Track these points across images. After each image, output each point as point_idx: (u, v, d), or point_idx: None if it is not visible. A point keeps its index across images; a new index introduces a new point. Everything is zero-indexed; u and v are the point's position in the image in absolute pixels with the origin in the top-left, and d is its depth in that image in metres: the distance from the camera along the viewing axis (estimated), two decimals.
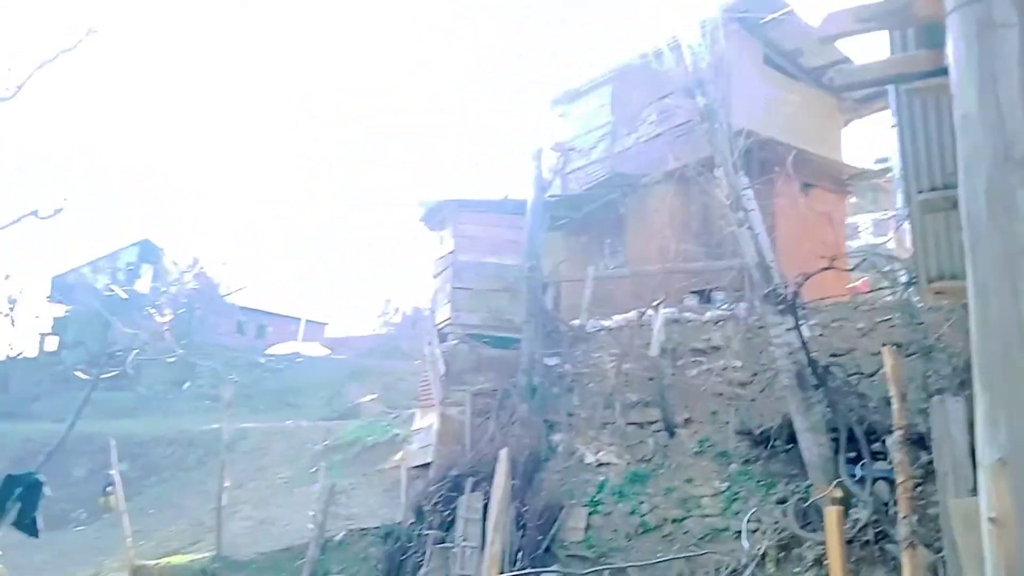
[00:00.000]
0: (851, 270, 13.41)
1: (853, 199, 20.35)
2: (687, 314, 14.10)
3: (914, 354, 10.68)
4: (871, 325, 12.03)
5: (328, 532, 14.56)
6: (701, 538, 11.06)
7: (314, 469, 16.29)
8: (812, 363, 10.68)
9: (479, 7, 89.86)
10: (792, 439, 10.48)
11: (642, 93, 16.05)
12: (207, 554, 15.46)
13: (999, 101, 3.38)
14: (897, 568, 8.38)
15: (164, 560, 15.72)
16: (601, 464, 13.05)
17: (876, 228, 23.02)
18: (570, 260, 17.92)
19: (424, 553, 13.08)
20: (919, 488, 9.11)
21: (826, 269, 10.79)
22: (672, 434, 12.64)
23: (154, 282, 39.99)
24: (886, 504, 9.34)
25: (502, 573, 11.94)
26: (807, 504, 10.07)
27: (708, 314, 13.80)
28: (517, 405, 14.41)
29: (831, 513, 7.65)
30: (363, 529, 14.59)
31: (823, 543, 8.83)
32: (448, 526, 13.16)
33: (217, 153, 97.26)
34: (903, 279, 10.97)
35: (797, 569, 9.75)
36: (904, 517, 6.84)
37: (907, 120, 6.07)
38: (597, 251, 17.89)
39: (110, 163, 79.42)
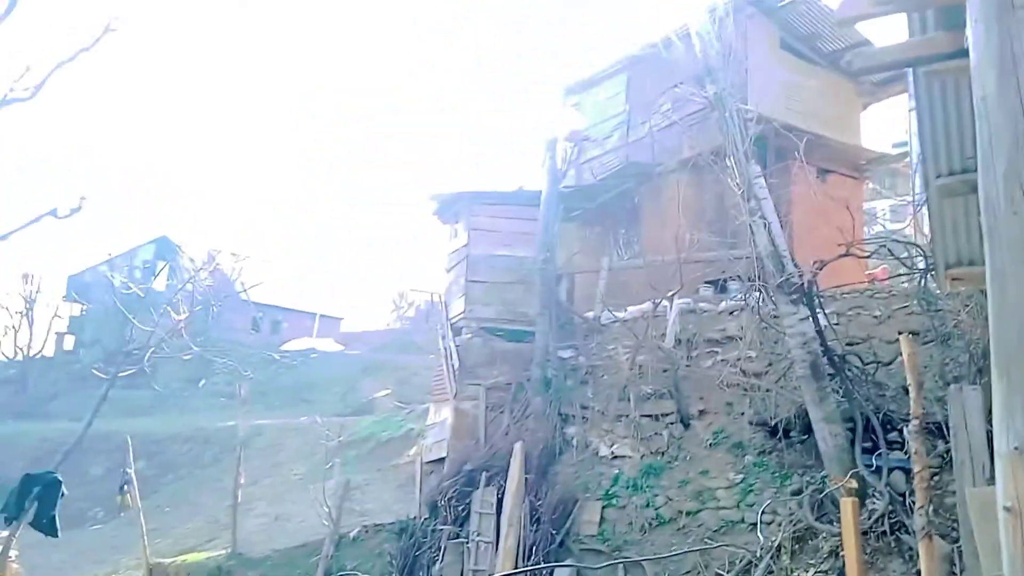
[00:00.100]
0: (868, 257, 13.22)
1: (871, 184, 20.09)
2: (702, 304, 13.98)
3: (931, 342, 10.54)
4: (888, 313, 11.88)
5: (343, 528, 14.57)
6: (716, 530, 10.95)
7: (329, 465, 16.28)
8: (828, 352, 10.54)
9: (479, 7, 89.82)
10: (807, 430, 10.35)
11: (657, 81, 15.87)
12: (223, 551, 15.51)
13: (1019, 84, 3.28)
14: (914, 559, 8.27)
15: (180, 558, 15.79)
16: (615, 457, 12.95)
17: (894, 214, 22.74)
18: (584, 251, 17.81)
19: (439, 548, 13.04)
20: (936, 478, 8.97)
21: (843, 256, 10.64)
22: (687, 426, 12.54)
23: (170, 280, 40.16)
24: (902, 494, 9.20)
25: (516, 567, 11.88)
26: (823, 495, 9.95)
27: (723, 304, 13.68)
28: (531, 398, 14.34)
29: (846, 504, 7.51)
30: (378, 525, 14.58)
31: (839, 534, 8.70)
32: (462, 521, 13.12)
33: (217, 153, 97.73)
34: (920, 265, 10.79)
35: (812, 561, 9.62)
36: (920, 507, 6.71)
37: (925, 103, 5.93)
38: (611, 242, 17.76)
39: (110, 163, 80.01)
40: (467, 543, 12.74)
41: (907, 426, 7.15)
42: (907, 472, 9.03)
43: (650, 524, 11.66)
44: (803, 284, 10.63)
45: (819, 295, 10.88)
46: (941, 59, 4.80)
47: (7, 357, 43.42)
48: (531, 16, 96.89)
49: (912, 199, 15.97)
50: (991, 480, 4.70)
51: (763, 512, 10.57)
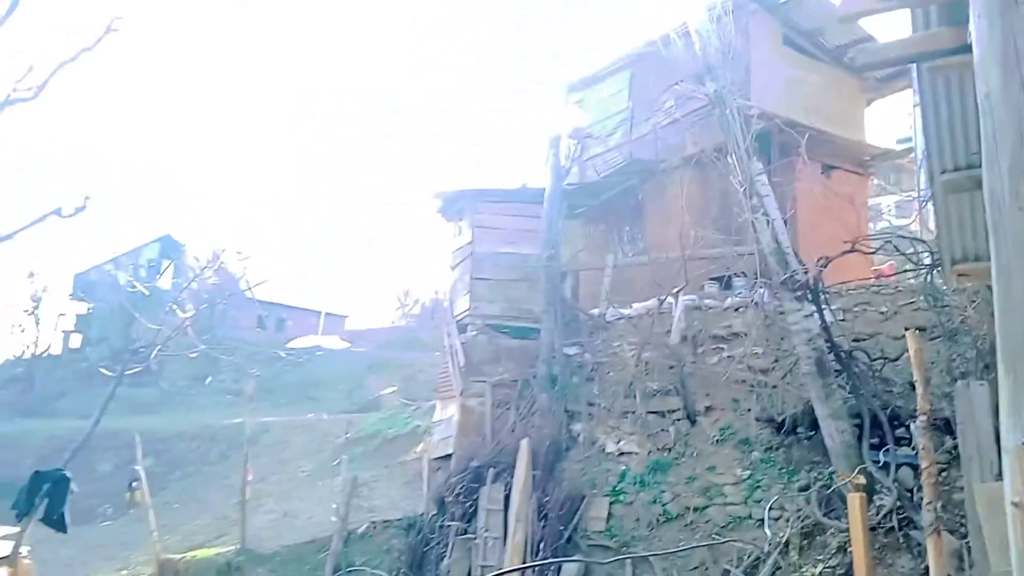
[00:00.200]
0: (873, 253, 13.22)
1: (875, 180, 20.07)
2: (707, 301, 13.98)
3: (938, 337, 10.53)
4: (894, 309, 11.88)
5: (351, 524, 14.62)
6: (723, 526, 10.99)
7: (336, 462, 16.37)
8: (834, 348, 10.56)
9: (479, 7, 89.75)
10: (814, 426, 10.38)
11: (660, 78, 15.87)
12: (232, 547, 15.58)
13: (1023, 80, 3.30)
14: (922, 554, 8.28)
15: (190, 554, 15.86)
16: (622, 453, 12.99)
17: (899, 210, 22.71)
18: (589, 248, 17.82)
19: (446, 544, 13.10)
20: (944, 473, 8.99)
21: (848, 252, 10.64)
22: (693, 422, 12.56)
23: (175, 278, 40.26)
24: (910, 490, 9.23)
25: (524, 563, 11.94)
26: (830, 491, 9.98)
27: (728, 301, 13.68)
28: (537, 395, 14.38)
29: (854, 500, 7.54)
30: (386, 521, 14.64)
31: (846, 530, 8.73)
32: (470, 517, 13.18)
33: (218, 153, 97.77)
34: (927, 261, 10.80)
35: (820, 557, 9.66)
36: (929, 503, 6.74)
37: (930, 99, 5.94)
38: (616, 239, 17.78)
39: (110, 163, 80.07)
40: (475, 539, 12.81)
41: (914, 422, 7.17)
42: (915, 468, 9.07)
43: (657, 520, 11.71)
44: (808, 280, 10.65)
45: (825, 291, 10.89)
46: (945, 55, 4.83)
47: (14, 356, 43.59)
48: (531, 16, 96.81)
49: (917, 195, 15.95)
50: (999, 476, 4.71)
51: (770, 508, 10.60)
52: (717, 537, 10.78)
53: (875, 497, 9.38)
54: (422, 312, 49.64)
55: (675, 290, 13.28)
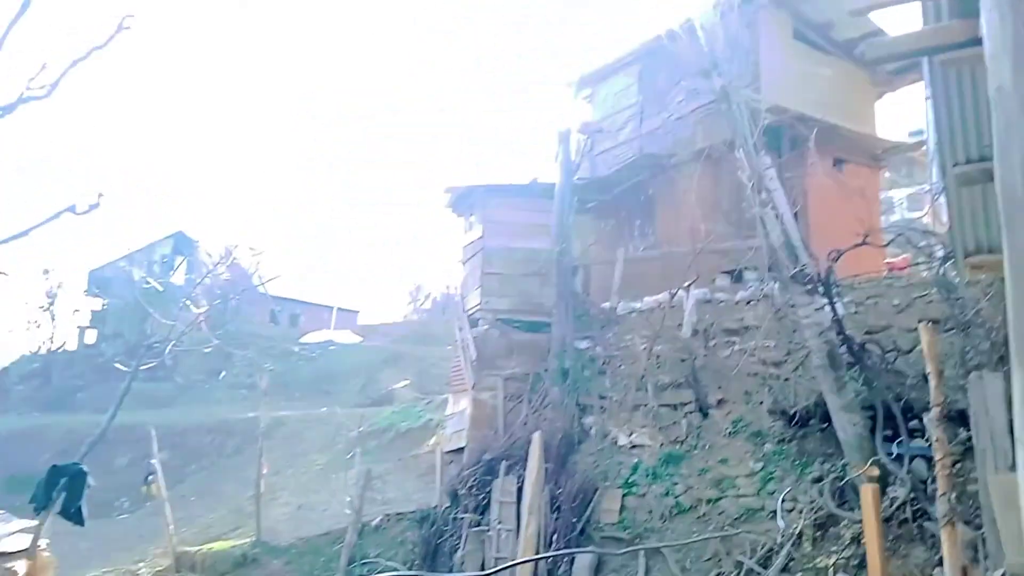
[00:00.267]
0: (885, 246, 13.21)
1: (887, 173, 20.01)
2: (719, 294, 14.00)
3: (952, 330, 10.51)
4: (907, 301, 11.85)
5: (365, 517, 14.73)
6: (736, 518, 11.03)
7: (350, 455, 16.48)
8: (847, 341, 10.56)
9: (479, 7, 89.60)
10: (827, 418, 10.38)
11: (670, 72, 15.87)
12: (247, 540, 15.72)
13: None
14: (936, 545, 8.30)
15: (206, 546, 16.00)
16: (634, 446, 13.04)
17: (911, 203, 22.63)
18: (600, 243, 17.85)
19: (460, 536, 13.20)
20: (957, 465, 8.99)
21: (859, 245, 10.64)
22: (705, 415, 12.59)
23: (188, 274, 40.53)
24: (924, 482, 9.24)
25: (537, 555, 12.01)
26: (843, 483, 10.00)
27: (740, 294, 13.69)
28: (549, 389, 14.45)
29: (867, 491, 7.57)
30: (399, 513, 14.75)
31: (860, 522, 8.76)
32: (483, 509, 13.27)
33: (218, 153, 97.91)
34: (939, 254, 10.78)
35: (834, 548, 9.68)
36: (943, 494, 6.76)
37: (941, 92, 5.95)
38: (627, 233, 17.79)
39: (110, 163, 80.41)
40: (488, 531, 12.89)
41: (928, 414, 7.19)
42: (928, 460, 9.07)
43: (670, 512, 11.76)
44: (819, 274, 10.66)
45: (837, 284, 10.89)
46: (956, 48, 4.82)
47: (31, 351, 43.94)
48: (531, 16, 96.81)
49: (930, 188, 15.90)
50: (1013, 467, 4.74)
51: (783, 500, 10.63)
52: (730, 529, 10.83)
53: (889, 489, 9.40)
54: (434, 306, 49.77)
55: (686, 284, 13.30)
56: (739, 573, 10.19)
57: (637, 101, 17.81)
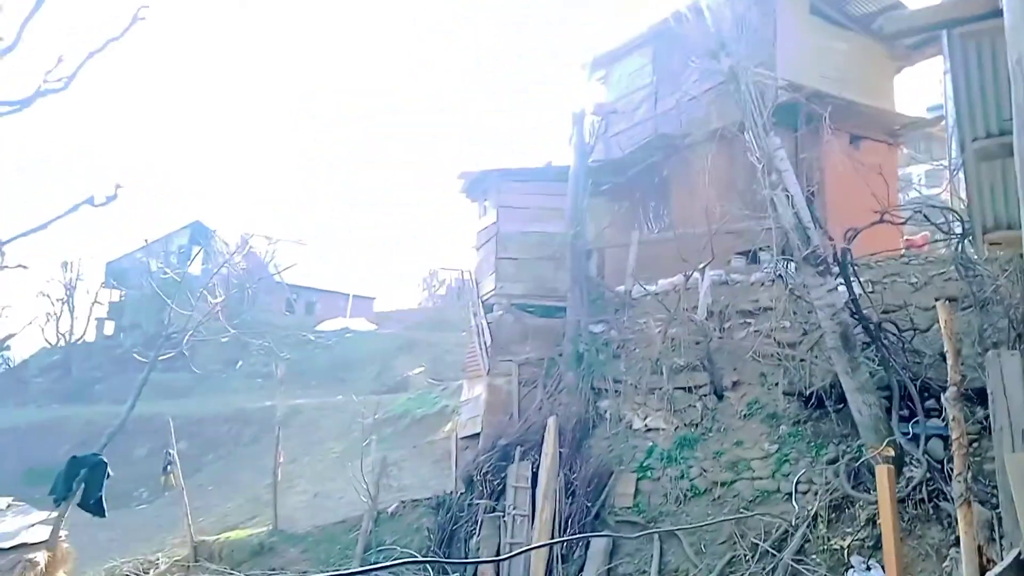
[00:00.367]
0: (903, 223, 13.02)
1: (905, 150, 19.72)
2: (734, 276, 13.88)
3: (970, 307, 10.39)
4: (925, 279, 11.72)
5: (381, 504, 14.77)
6: (751, 500, 10.96)
7: (366, 443, 16.47)
8: (863, 320, 10.43)
9: (479, 7, 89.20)
10: (843, 399, 10.27)
11: (683, 52, 15.68)
12: (265, 528, 15.80)
13: None
14: (952, 525, 8.22)
15: (224, 535, 16.10)
16: (649, 430, 12.98)
17: (929, 179, 22.33)
18: (614, 225, 17.72)
19: (475, 522, 13.21)
20: (974, 444, 8.89)
21: (877, 223, 10.49)
22: (720, 397, 12.51)
23: (205, 264, 40.74)
24: (940, 462, 9.13)
25: (553, 539, 12.00)
26: (859, 464, 9.91)
27: (755, 275, 13.57)
28: (564, 373, 14.39)
29: (882, 472, 7.47)
30: (415, 500, 14.76)
31: (876, 502, 8.66)
32: (498, 495, 13.27)
33: (218, 154, 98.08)
34: (958, 230, 10.61)
35: (850, 529, 9.61)
36: (959, 474, 6.64)
37: (960, 65, 5.81)
38: (641, 215, 17.65)
39: (110, 163, 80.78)
40: (503, 517, 12.89)
41: (945, 393, 7.07)
42: (945, 439, 8.97)
43: (685, 495, 11.71)
44: (834, 253, 10.52)
45: (853, 263, 10.75)
46: (975, 20, 4.70)
47: (50, 344, 44.36)
48: (531, 16, 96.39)
49: (948, 163, 15.66)
50: None
51: (798, 482, 10.56)
52: (745, 511, 10.76)
53: (905, 469, 9.31)
54: (448, 292, 49.80)
55: (701, 265, 13.18)
56: (754, 555, 10.13)
57: (652, 81, 17.62)
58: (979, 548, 6.69)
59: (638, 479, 12.37)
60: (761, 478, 11.12)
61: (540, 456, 13.00)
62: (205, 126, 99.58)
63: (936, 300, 8.35)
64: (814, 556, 9.72)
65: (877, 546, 8.81)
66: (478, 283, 17.20)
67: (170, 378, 31.25)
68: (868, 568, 9.06)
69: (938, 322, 7.45)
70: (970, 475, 6.77)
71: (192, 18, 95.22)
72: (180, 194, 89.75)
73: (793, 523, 10.15)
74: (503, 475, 13.29)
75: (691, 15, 12.52)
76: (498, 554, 12.52)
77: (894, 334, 10.56)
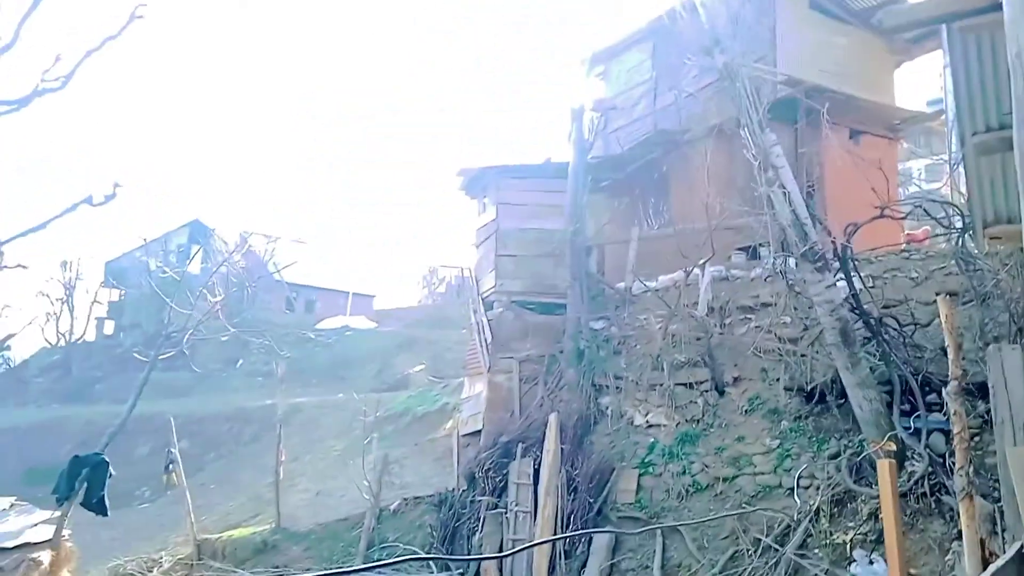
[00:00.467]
0: (903, 218, 13.02)
1: (905, 144, 19.73)
2: (734, 271, 13.90)
3: (970, 302, 10.40)
4: (925, 274, 11.73)
5: (383, 501, 14.78)
6: (753, 496, 10.98)
7: (367, 440, 16.50)
8: (864, 315, 10.44)
9: (479, 7, 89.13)
10: (844, 394, 10.29)
11: (683, 47, 15.69)
12: (267, 526, 15.82)
13: None
14: (954, 519, 8.24)
15: (227, 533, 16.13)
16: (651, 425, 13.00)
17: (929, 173, 22.34)
18: (614, 221, 17.72)
19: (478, 519, 13.21)
20: (976, 438, 8.90)
21: (877, 218, 10.49)
22: (721, 393, 12.53)
23: (204, 263, 40.71)
24: (942, 456, 9.15)
25: (555, 536, 12.01)
26: (860, 458, 9.93)
27: (755, 271, 13.58)
28: (564, 370, 14.40)
29: (883, 466, 7.48)
30: (417, 497, 14.77)
31: (878, 497, 8.67)
32: (500, 492, 13.27)
33: (217, 154, 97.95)
34: (958, 225, 10.61)
35: (852, 523, 9.63)
36: (961, 468, 6.66)
37: (960, 59, 5.82)
38: (641, 211, 17.65)
39: (110, 163, 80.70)
40: (506, 513, 12.90)
41: (946, 388, 7.08)
42: (947, 434, 8.98)
43: (687, 491, 11.73)
44: (834, 249, 10.52)
45: (854, 258, 10.75)
46: (974, 14, 4.71)
47: (50, 343, 44.34)
48: (531, 16, 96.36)
49: (948, 158, 15.67)
50: None
51: (800, 476, 10.58)
52: (747, 506, 10.78)
53: (906, 463, 9.32)
54: (448, 290, 49.81)
55: (701, 261, 13.19)
56: (756, 550, 10.14)
57: (651, 77, 17.62)
58: (981, 541, 6.71)
59: (640, 475, 12.38)
60: (763, 473, 11.14)
61: (542, 453, 13.01)
62: (205, 126, 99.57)
63: (937, 295, 8.34)
64: (816, 551, 9.74)
65: (880, 540, 8.82)
66: (478, 280, 17.20)
67: (170, 377, 31.26)
68: (871, 562, 9.07)
69: (939, 317, 7.46)
70: (972, 469, 6.79)
71: (192, 18, 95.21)
72: (179, 194, 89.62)
73: (795, 518, 10.16)
74: (505, 472, 13.30)
75: (686, 12, 12.51)
76: (501, 550, 12.54)
77: (895, 329, 10.57)
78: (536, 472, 12.92)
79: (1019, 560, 4.60)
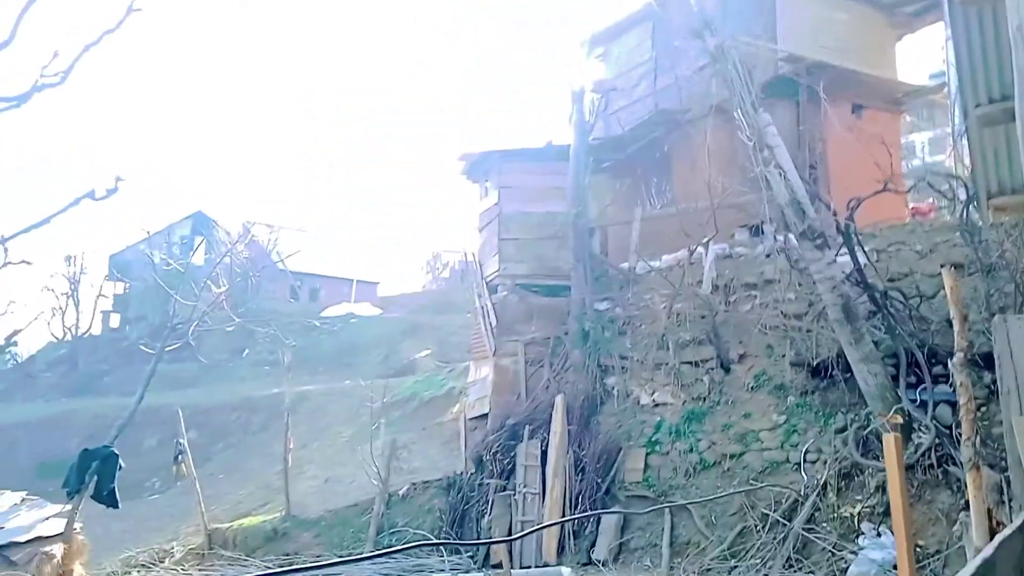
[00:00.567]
0: (907, 192, 12.98)
1: (908, 118, 19.63)
2: (738, 249, 13.88)
3: (975, 273, 10.38)
4: (930, 246, 11.70)
5: (392, 487, 14.83)
6: (761, 472, 11.01)
7: (374, 426, 16.53)
8: (869, 289, 10.43)
9: (479, 7, 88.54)
10: (850, 368, 10.29)
11: (683, 26, 15.59)
12: (277, 514, 15.89)
13: None
14: (961, 490, 8.25)
15: (237, 522, 16.19)
16: (657, 404, 13.02)
17: (933, 146, 22.23)
18: (616, 202, 17.68)
19: (487, 501, 13.28)
20: (982, 409, 8.92)
21: (880, 192, 10.46)
22: (727, 370, 12.53)
23: (208, 254, 40.71)
24: (949, 427, 9.16)
25: (564, 516, 12.07)
26: (867, 432, 9.94)
27: (759, 248, 13.55)
28: (570, 351, 14.43)
29: (889, 440, 7.48)
30: (426, 482, 14.82)
31: (885, 470, 8.69)
32: (508, 474, 13.33)
33: (217, 154, 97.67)
34: (962, 197, 10.57)
35: (859, 497, 9.66)
36: (967, 439, 6.67)
37: (962, 31, 5.78)
38: (643, 192, 17.59)
39: (110, 163, 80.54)
40: (514, 495, 12.96)
41: (952, 359, 7.08)
42: (953, 405, 8.98)
43: (694, 469, 11.76)
44: (837, 225, 10.50)
45: (857, 233, 10.72)
46: None
47: (57, 338, 44.44)
48: (531, 16, 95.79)
49: (951, 130, 15.58)
50: None
51: (807, 451, 10.60)
52: (754, 483, 10.81)
53: (913, 435, 9.33)
54: (452, 275, 49.80)
55: (705, 239, 13.16)
56: (765, 525, 10.19)
57: (651, 57, 17.53)
58: (988, 511, 6.73)
59: (647, 454, 12.42)
60: (770, 449, 11.17)
61: (549, 434, 13.05)
62: (205, 127, 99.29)
63: (942, 266, 8.33)
64: (824, 524, 9.78)
65: (887, 513, 8.85)
66: (481, 265, 17.20)
67: (177, 368, 31.36)
68: (879, 535, 9.11)
69: (944, 288, 7.45)
70: (978, 439, 6.80)
71: (192, 19, 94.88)
72: (180, 195, 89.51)
73: (803, 493, 10.20)
74: (512, 454, 13.35)
75: None
76: (510, 532, 12.59)
77: (900, 302, 10.56)
78: (544, 454, 12.96)
79: None
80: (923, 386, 9.72)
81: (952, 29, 6.04)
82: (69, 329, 44.26)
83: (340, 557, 12.46)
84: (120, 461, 13.16)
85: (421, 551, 12.69)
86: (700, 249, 13.41)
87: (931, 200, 14.51)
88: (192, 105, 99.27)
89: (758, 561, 9.87)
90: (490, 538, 12.84)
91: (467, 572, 11.83)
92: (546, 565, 11.60)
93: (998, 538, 3.58)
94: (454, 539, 13.17)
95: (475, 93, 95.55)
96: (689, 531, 11.04)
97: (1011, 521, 6.17)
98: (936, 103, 19.05)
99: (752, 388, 12.05)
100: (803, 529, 9.82)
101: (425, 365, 27.73)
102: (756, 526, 10.30)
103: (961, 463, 7.60)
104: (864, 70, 15.68)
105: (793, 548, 9.71)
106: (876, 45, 16.70)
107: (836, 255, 10.57)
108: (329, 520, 15.15)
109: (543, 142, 17.25)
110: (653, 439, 12.53)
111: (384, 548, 12.92)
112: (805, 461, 10.54)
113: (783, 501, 10.30)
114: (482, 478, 13.63)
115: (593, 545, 11.78)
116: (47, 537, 12.11)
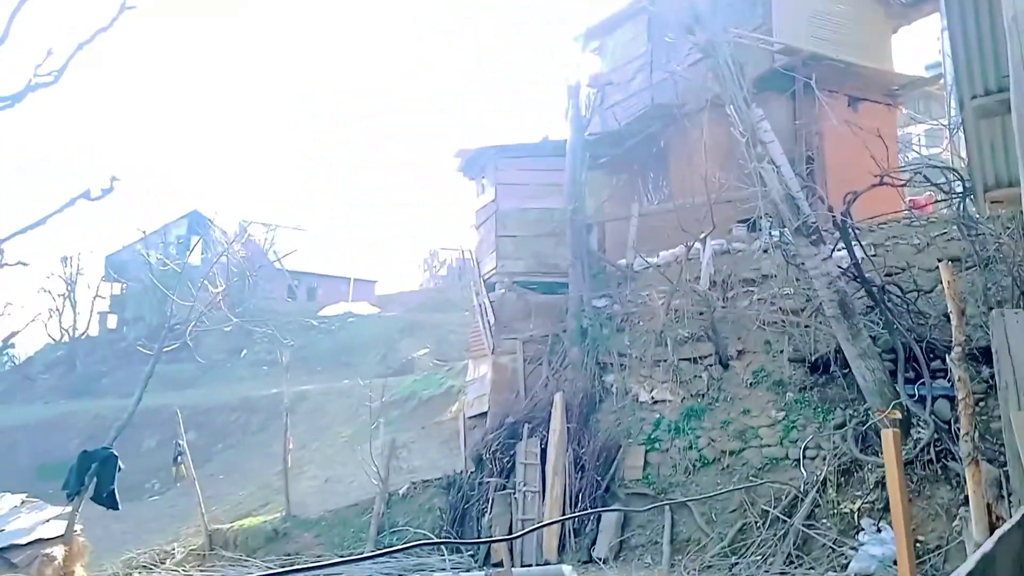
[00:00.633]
0: (903, 185, 12.94)
1: (904, 110, 19.58)
2: (736, 244, 13.85)
3: (973, 267, 10.36)
4: (927, 240, 11.68)
5: (392, 486, 14.83)
6: (760, 468, 11.01)
7: (374, 426, 16.52)
8: (866, 284, 10.41)
9: (479, 7, 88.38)
10: (848, 363, 10.28)
11: (678, 19, 15.54)
12: (277, 515, 15.88)
13: None
14: (961, 485, 8.25)
15: (238, 523, 16.18)
16: (656, 402, 13.00)
17: (929, 138, 22.18)
18: (613, 198, 17.65)
19: (487, 500, 13.27)
20: (980, 403, 8.90)
21: (877, 185, 10.42)
22: (726, 367, 12.51)
23: (204, 253, 40.63)
24: (947, 422, 9.14)
25: (564, 514, 12.06)
26: (866, 427, 9.93)
27: (757, 243, 13.52)
28: (568, 349, 14.41)
29: (887, 435, 7.47)
30: (425, 481, 14.81)
31: (884, 465, 8.68)
32: (508, 472, 13.32)
33: (216, 154, 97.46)
34: (959, 190, 10.55)
35: (859, 492, 9.65)
36: (966, 433, 6.65)
37: (958, 23, 5.75)
38: (640, 187, 17.56)
39: (109, 162, 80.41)
40: (514, 494, 12.95)
41: (950, 353, 7.06)
42: (951, 399, 8.97)
43: (694, 466, 11.75)
44: (833, 219, 10.46)
45: (854, 227, 10.69)
46: None
47: (54, 339, 44.37)
48: (531, 16, 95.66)
49: (948, 122, 15.54)
50: None
51: (806, 447, 10.60)
52: (754, 479, 10.81)
53: (912, 430, 9.32)
54: (449, 273, 49.72)
55: (702, 235, 13.13)
56: (765, 522, 10.18)
57: (647, 50, 17.48)
58: (988, 506, 6.72)
59: (647, 451, 12.42)
60: (769, 445, 11.16)
61: (548, 432, 13.04)
62: (205, 127, 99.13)
63: (939, 261, 8.31)
64: (824, 520, 9.78)
65: (887, 508, 8.83)
66: (479, 262, 17.17)
67: (175, 369, 31.30)
68: (879, 530, 9.10)
69: (941, 283, 7.43)
70: (977, 434, 6.79)
71: (192, 19, 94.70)
72: (178, 195, 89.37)
73: (802, 489, 10.19)
74: (512, 453, 13.34)
75: None
76: (510, 531, 12.59)
77: (898, 296, 10.54)
78: (543, 452, 12.95)
79: None
80: (921, 381, 9.71)
81: (948, 20, 6.01)
82: (66, 330, 44.20)
83: (341, 557, 12.45)
84: (119, 462, 13.14)
85: (422, 550, 12.69)
86: (697, 245, 13.38)
87: (929, 193, 14.47)
88: (191, 105, 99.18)
89: (759, 557, 9.86)
90: (490, 537, 12.83)
91: (468, 571, 11.81)
92: (547, 563, 11.58)
93: (998, 533, 3.56)
94: (455, 538, 13.15)
95: (474, 93, 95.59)
96: (689, 528, 11.04)
97: (1011, 516, 6.14)
98: (932, 95, 19.00)
99: (751, 384, 12.04)
100: (803, 525, 9.81)
101: (423, 364, 27.70)
102: (756, 523, 10.29)
103: (960, 458, 7.58)
104: (860, 62, 15.64)
105: (793, 544, 9.71)
106: (872, 37, 16.66)
107: (832, 250, 10.54)
108: (329, 520, 15.14)
109: (540, 138, 17.22)
110: (652, 436, 12.52)
111: (385, 547, 12.91)
112: (804, 457, 10.54)
113: (783, 497, 10.29)
114: (482, 477, 13.61)
115: (594, 543, 11.77)
116: (48, 539, 12.10)
